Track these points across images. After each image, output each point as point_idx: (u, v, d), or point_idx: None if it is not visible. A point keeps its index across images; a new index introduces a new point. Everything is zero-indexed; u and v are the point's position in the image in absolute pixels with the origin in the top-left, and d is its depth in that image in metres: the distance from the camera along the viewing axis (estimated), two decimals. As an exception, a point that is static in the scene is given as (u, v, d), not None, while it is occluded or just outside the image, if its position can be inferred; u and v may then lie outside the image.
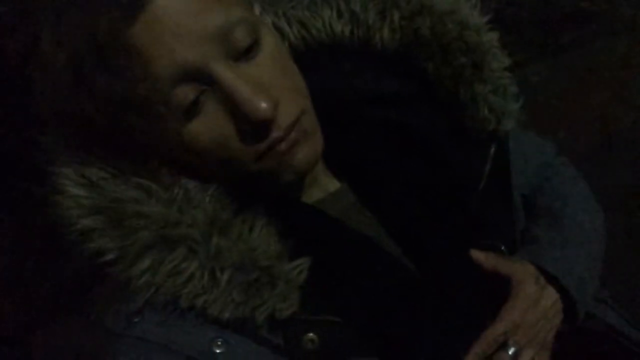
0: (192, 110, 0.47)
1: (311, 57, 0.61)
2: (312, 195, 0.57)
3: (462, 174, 0.60)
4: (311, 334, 0.50)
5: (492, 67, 0.61)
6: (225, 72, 0.46)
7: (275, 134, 0.48)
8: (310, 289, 0.51)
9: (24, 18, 0.49)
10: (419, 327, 0.53)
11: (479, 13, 0.62)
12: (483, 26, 0.62)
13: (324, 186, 0.59)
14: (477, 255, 0.58)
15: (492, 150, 0.62)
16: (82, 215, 0.50)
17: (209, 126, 0.48)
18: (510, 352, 0.55)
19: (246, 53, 0.48)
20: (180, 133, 0.48)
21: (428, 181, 0.59)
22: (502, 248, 0.61)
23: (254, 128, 0.47)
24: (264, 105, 0.46)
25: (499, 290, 0.57)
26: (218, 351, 0.49)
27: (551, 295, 0.59)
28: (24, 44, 0.50)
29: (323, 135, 0.53)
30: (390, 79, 0.61)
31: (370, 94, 0.61)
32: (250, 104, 0.46)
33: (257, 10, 0.55)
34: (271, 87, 0.48)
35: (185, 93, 0.46)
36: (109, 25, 0.43)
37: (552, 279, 0.59)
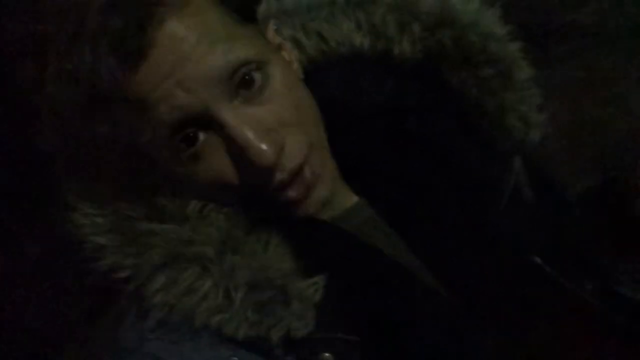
0: (195, 153, 0.47)
1: (329, 69, 0.60)
2: (328, 211, 0.56)
3: (485, 185, 0.59)
4: (327, 354, 0.50)
5: (518, 77, 0.61)
6: (227, 116, 0.46)
7: (279, 176, 0.48)
8: (326, 307, 0.50)
9: (34, 46, 0.49)
10: (437, 344, 0.52)
11: (502, 23, 0.61)
12: (506, 36, 0.61)
13: (341, 201, 0.57)
14: None
15: (517, 161, 0.61)
16: (95, 232, 0.50)
17: (213, 168, 0.48)
18: None
19: (251, 92, 0.47)
20: (183, 174, 0.48)
21: (448, 193, 0.58)
22: (537, 260, 0.58)
23: (258, 171, 0.47)
24: (268, 151, 0.46)
25: (522, 305, 0.56)
26: None
27: None
28: (30, 73, 0.50)
29: (338, 148, 0.53)
30: (410, 91, 0.60)
31: (389, 106, 0.60)
32: (254, 150, 0.46)
33: (271, 28, 0.54)
34: (277, 126, 0.48)
35: (188, 137, 0.46)
36: (109, 73, 0.43)
37: None
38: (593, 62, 1.71)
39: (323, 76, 0.55)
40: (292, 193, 0.50)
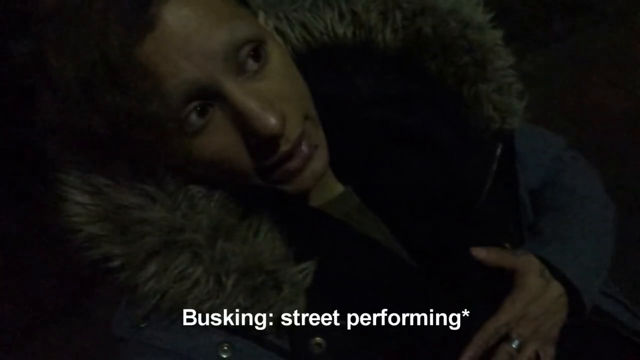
0: (200, 126, 0.47)
1: (313, 59, 0.61)
2: (317, 198, 0.57)
3: (467, 174, 0.59)
4: (318, 338, 0.50)
5: (495, 65, 0.61)
6: (234, 89, 0.46)
7: (284, 147, 0.48)
8: (317, 292, 0.51)
9: (27, 23, 0.47)
10: (423, 327, 0.53)
11: (481, 11, 0.62)
12: (486, 24, 0.61)
13: (328, 189, 0.58)
14: (478, 251, 0.58)
15: (499, 149, 0.61)
16: (87, 222, 0.50)
17: (218, 141, 0.48)
18: (514, 344, 0.55)
19: (254, 68, 0.48)
20: (187, 148, 0.48)
21: (432, 181, 0.58)
22: (507, 246, 0.61)
23: (263, 143, 0.48)
24: (273, 120, 0.46)
25: (504, 287, 0.57)
26: (224, 356, 0.49)
27: (556, 289, 0.59)
28: (27, 49, 0.48)
29: (326, 139, 0.53)
30: (392, 80, 0.61)
31: (372, 95, 0.60)
32: (260, 120, 0.46)
33: (261, 18, 0.55)
34: (278, 100, 0.48)
35: (195, 109, 0.46)
36: (118, 43, 0.43)
37: (557, 272, 0.59)
38: (595, 39, 1.69)
39: (306, 66, 0.55)
40: (291, 165, 0.50)
